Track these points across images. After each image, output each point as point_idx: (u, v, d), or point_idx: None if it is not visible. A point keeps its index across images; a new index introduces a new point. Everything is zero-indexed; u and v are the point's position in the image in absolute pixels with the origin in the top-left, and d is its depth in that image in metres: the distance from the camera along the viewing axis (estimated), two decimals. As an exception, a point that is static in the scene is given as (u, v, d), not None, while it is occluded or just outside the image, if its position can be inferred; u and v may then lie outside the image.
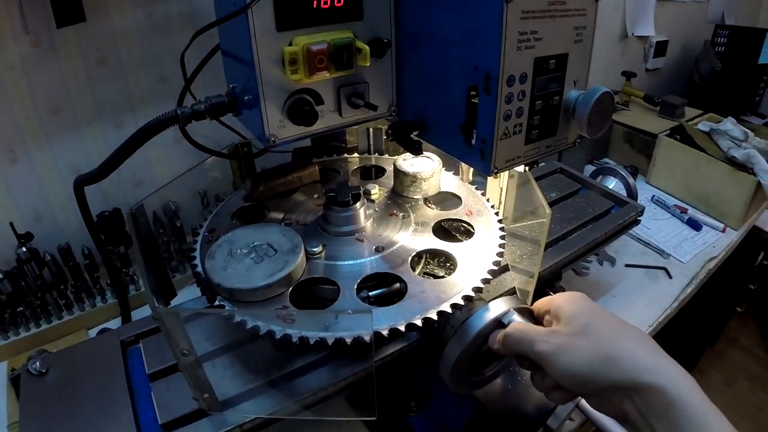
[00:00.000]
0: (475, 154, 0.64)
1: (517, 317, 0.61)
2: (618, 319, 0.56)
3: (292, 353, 0.64)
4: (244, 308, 0.60)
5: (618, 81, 2.03)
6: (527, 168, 0.75)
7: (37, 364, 0.67)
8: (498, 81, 0.58)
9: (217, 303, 0.61)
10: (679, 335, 1.98)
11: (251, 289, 0.59)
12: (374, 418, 0.60)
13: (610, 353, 0.51)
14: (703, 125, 1.64)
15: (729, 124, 1.58)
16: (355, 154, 1.00)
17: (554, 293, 0.86)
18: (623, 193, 1.23)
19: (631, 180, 1.30)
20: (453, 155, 0.69)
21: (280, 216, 0.79)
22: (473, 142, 0.64)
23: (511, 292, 0.74)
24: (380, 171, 0.95)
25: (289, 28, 0.62)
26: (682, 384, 0.48)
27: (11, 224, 0.95)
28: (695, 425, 0.46)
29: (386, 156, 0.99)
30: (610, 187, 1.22)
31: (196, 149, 0.79)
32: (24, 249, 0.94)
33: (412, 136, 0.70)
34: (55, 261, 0.99)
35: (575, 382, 0.52)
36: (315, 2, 0.62)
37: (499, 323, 0.61)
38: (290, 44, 0.62)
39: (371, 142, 1.00)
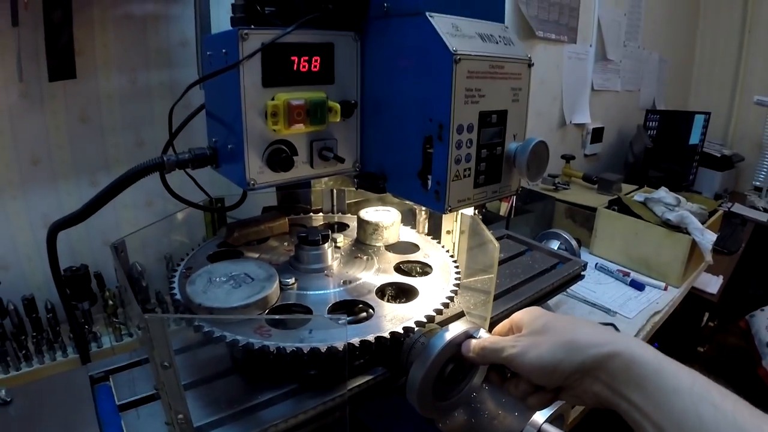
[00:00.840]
0: (430, 196, 0.75)
1: (484, 333, 0.69)
2: (572, 317, 0.64)
3: (262, 385, 0.70)
4: (223, 326, 0.66)
5: (558, 164, 2.23)
6: (476, 211, 0.86)
7: (2, 392, 0.70)
8: (449, 129, 0.70)
9: (197, 324, 0.67)
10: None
11: (230, 308, 0.66)
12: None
13: (569, 339, 0.57)
14: (639, 196, 1.82)
15: (662, 192, 1.76)
16: (320, 214, 1.10)
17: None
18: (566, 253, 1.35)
19: (573, 242, 1.43)
20: (411, 200, 0.81)
21: (255, 256, 0.87)
22: (429, 185, 0.75)
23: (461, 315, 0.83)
24: (343, 227, 1.05)
25: (273, 84, 0.73)
26: (634, 344, 0.54)
27: None
28: (655, 373, 0.51)
29: (348, 215, 1.09)
30: (554, 248, 1.34)
31: (166, 212, 0.85)
32: None
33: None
34: (17, 311, 1.01)
35: (544, 372, 0.58)
36: (295, 65, 0.74)
37: (460, 342, 0.68)
38: (272, 99, 0.73)
39: (335, 202, 1.11)
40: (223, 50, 0.73)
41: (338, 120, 0.78)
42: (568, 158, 2.20)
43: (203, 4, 0.99)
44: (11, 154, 1.02)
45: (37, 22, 0.96)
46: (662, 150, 2.63)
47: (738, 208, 2.69)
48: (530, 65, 0.79)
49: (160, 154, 0.80)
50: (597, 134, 2.55)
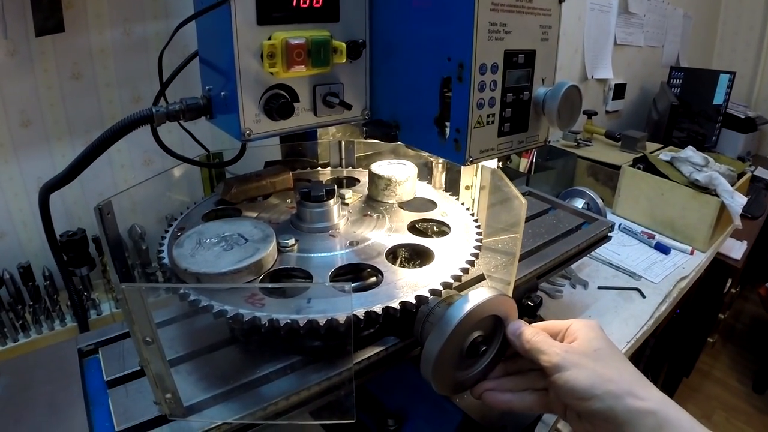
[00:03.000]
0: (449, 146, 0.64)
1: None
2: (623, 355, 0.59)
3: (261, 358, 0.62)
4: (211, 294, 0.57)
5: (580, 120, 2.10)
6: (499, 164, 0.75)
7: (-14, 367, 0.63)
8: (471, 69, 0.59)
9: (182, 291, 0.58)
10: (655, 368, 1.97)
11: (219, 274, 0.57)
12: (353, 421, 0.57)
13: (610, 377, 0.54)
14: (665, 155, 1.69)
15: (689, 152, 1.63)
16: (328, 168, 0.99)
17: (532, 303, 0.86)
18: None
19: (599, 201, 1.33)
20: (427, 150, 0.70)
21: (253, 215, 0.77)
22: (447, 133, 0.64)
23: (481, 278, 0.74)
24: (353, 182, 0.95)
25: (269, 22, 0.62)
26: (671, 407, 0.52)
27: None
28: None
29: (359, 169, 0.99)
30: (579, 207, 1.24)
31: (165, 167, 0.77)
32: None
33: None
34: (13, 280, 0.95)
35: (573, 396, 0.54)
36: (295, 1, 0.63)
37: (483, 313, 0.59)
38: (269, 39, 0.62)
39: (343, 155, 1.00)
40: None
41: (344, 61, 0.67)
42: (590, 114, 2.06)
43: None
44: (1, 116, 0.94)
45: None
46: (685, 109, 2.49)
47: (761, 172, 2.54)
48: (561, 1, 0.68)
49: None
50: (619, 90, 2.40)
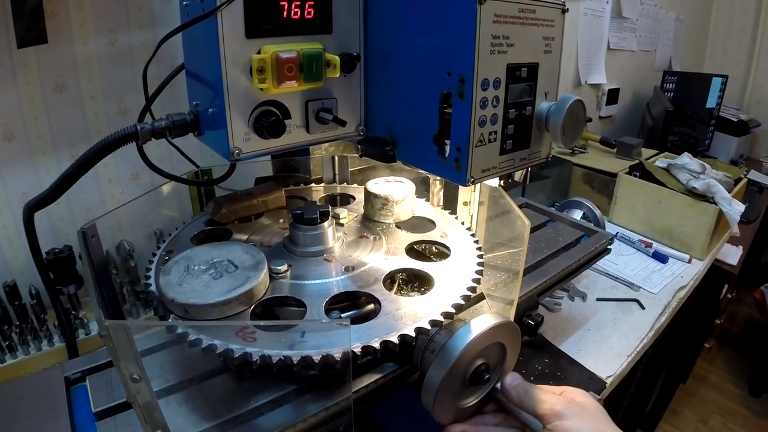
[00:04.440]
0: (449, 165, 0.61)
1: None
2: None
3: (255, 388, 0.58)
4: (199, 328, 0.54)
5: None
6: (501, 182, 0.72)
7: (-28, 396, 0.59)
8: (473, 84, 0.56)
9: (170, 322, 0.54)
10: (652, 375, 1.95)
11: (207, 305, 0.53)
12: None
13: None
14: (661, 162, 1.66)
15: (686, 158, 1.60)
16: (321, 185, 0.96)
17: (533, 322, 0.83)
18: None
19: (597, 211, 1.29)
20: (426, 170, 0.66)
21: (244, 238, 0.74)
22: (447, 152, 0.61)
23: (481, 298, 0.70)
24: (348, 199, 0.91)
25: (258, 35, 0.59)
26: None
27: None
28: None
29: (354, 185, 0.95)
30: (577, 218, 1.21)
31: (154, 185, 0.73)
32: None
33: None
34: None
35: None
36: (285, 12, 0.60)
37: (486, 342, 0.56)
38: (259, 52, 0.59)
39: (337, 171, 0.96)
40: (196, -3, 0.59)
41: (338, 76, 0.63)
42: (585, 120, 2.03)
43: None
44: None
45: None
46: (678, 113, 2.47)
47: (755, 175, 2.52)
48: (564, 11, 0.65)
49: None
50: (612, 95, 2.38)
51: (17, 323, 0.93)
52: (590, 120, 2.04)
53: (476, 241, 0.74)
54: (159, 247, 0.72)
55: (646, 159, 1.75)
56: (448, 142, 0.60)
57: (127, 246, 1.01)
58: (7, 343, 0.91)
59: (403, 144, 0.68)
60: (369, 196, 0.78)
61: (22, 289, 0.93)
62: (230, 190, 0.85)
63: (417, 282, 0.67)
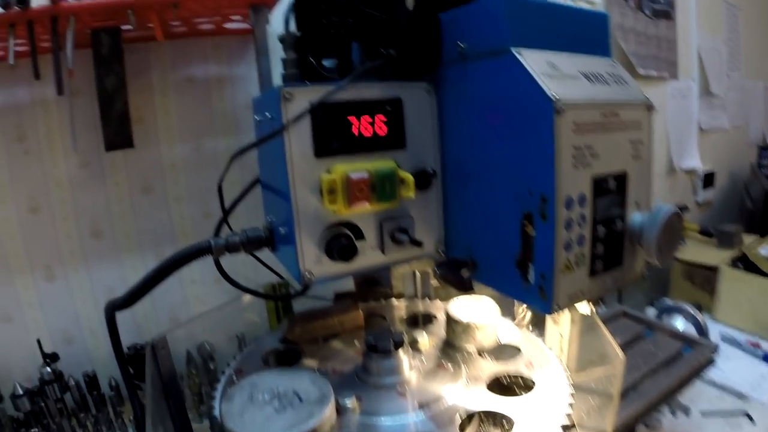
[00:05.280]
0: (533, 292, 0.55)
1: None
2: None
3: None
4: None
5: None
6: (592, 307, 0.65)
7: None
8: (555, 204, 0.50)
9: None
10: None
11: (267, 442, 0.49)
12: None
13: None
14: (765, 250, 1.50)
15: (795, 247, 1.44)
16: (402, 300, 0.91)
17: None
18: (692, 331, 1.09)
19: (699, 316, 1.17)
20: (509, 295, 0.60)
21: (315, 362, 0.70)
22: (531, 277, 0.55)
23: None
24: (429, 318, 0.85)
25: (327, 154, 0.57)
26: None
27: (38, 341, 0.90)
28: None
29: (436, 301, 0.90)
30: (678, 326, 1.09)
31: (236, 289, 0.72)
32: (48, 369, 0.89)
33: (462, 273, 0.61)
34: (78, 387, 0.92)
35: None
36: (356, 129, 0.58)
37: None
38: (328, 172, 0.57)
39: (418, 286, 0.92)
40: (268, 114, 0.58)
41: (412, 195, 0.59)
42: (681, 209, 1.88)
43: (263, 62, 0.86)
44: (72, 225, 0.95)
45: (92, 90, 0.87)
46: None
47: None
48: (651, 109, 0.60)
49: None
50: (708, 179, 2.22)
51: (94, 413, 0.94)
52: (687, 208, 1.90)
53: (568, 377, 0.66)
54: (228, 364, 0.70)
55: (749, 245, 1.59)
56: (532, 266, 0.55)
57: (208, 347, 1.00)
58: (81, 430, 0.92)
59: (483, 265, 0.62)
60: (450, 320, 0.73)
61: (101, 380, 0.95)
62: (310, 298, 0.83)
63: (500, 417, 0.60)
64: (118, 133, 0.87)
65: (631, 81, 0.60)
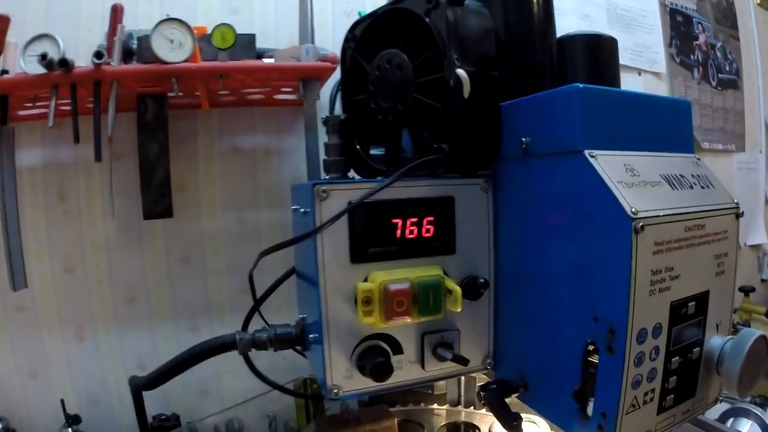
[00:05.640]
0: (591, 429, 0.47)
1: None
2: None
3: None
4: None
5: (736, 298, 1.78)
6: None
7: None
8: (626, 337, 0.43)
9: None
10: None
11: None
12: None
13: None
14: None
15: None
16: (444, 406, 0.83)
17: None
18: (760, 436, 0.97)
19: (767, 419, 1.04)
20: (561, 427, 0.52)
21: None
22: (590, 414, 0.47)
23: None
24: (472, 431, 0.78)
25: (365, 260, 0.52)
26: None
27: (62, 401, 0.87)
28: None
29: (481, 411, 0.82)
30: (744, 431, 0.97)
31: (272, 364, 0.68)
32: (70, 430, 0.87)
33: (514, 398, 0.54)
34: None
35: None
36: (399, 231, 0.52)
37: None
38: (365, 280, 0.51)
39: (462, 391, 0.85)
40: (301, 209, 0.54)
41: (458, 309, 0.52)
42: (747, 291, 1.73)
43: (311, 138, 0.83)
44: (106, 288, 0.93)
45: (135, 153, 0.86)
46: None
47: None
48: (739, 216, 0.53)
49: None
50: (773, 254, 2.06)
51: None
52: (753, 290, 1.75)
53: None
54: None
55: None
56: (591, 401, 0.47)
57: (236, 425, 0.95)
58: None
59: (535, 389, 0.54)
60: None
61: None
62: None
63: None
64: (157, 202, 0.85)
65: (716, 182, 0.54)
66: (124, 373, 0.95)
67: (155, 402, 0.91)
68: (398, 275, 0.51)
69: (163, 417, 0.92)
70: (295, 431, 0.74)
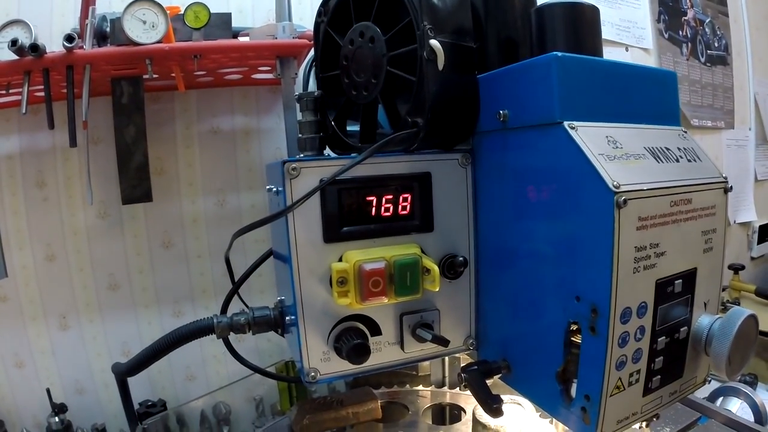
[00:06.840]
0: (574, 413, 0.45)
1: None
2: None
3: None
4: None
5: (725, 276, 1.77)
6: (644, 425, 0.54)
7: None
8: (609, 317, 0.41)
9: None
10: None
11: None
12: None
13: None
14: (835, 317, 1.34)
15: None
16: (429, 388, 0.81)
17: None
18: (749, 416, 0.95)
19: (757, 398, 1.02)
20: (546, 410, 0.50)
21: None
22: (573, 396, 0.45)
23: None
24: (457, 412, 0.75)
25: (339, 239, 0.49)
26: None
27: (48, 391, 0.85)
28: None
29: (466, 393, 0.79)
30: (733, 410, 0.95)
31: (258, 347, 0.65)
32: (56, 419, 0.85)
33: (495, 378, 0.51)
34: None
35: None
36: (373, 209, 0.50)
37: None
38: (340, 260, 0.48)
39: (446, 372, 0.82)
40: (273, 188, 0.51)
41: (437, 289, 0.50)
42: (736, 268, 1.71)
43: (289, 117, 0.80)
44: (88, 275, 0.91)
45: (113, 138, 0.83)
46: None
47: None
48: (727, 190, 0.50)
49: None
50: (763, 232, 2.04)
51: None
52: (743, 268, 1.73)
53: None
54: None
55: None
56: (575, 383, 0.45)
57: (224, 409, 0.93)
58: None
59: (518, 370, 0.52)
60: (477, 424, 0.63)
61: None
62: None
63: None
64: (135, 186, 0.82)
65: (704, 156, 0.51)
66: (109, 361, 0.93)
67: (142, 389, 0.89)
68: (373, 254, 0.48)
69: (149, 403, 0.91)
70: (281, 414, 0.72)
